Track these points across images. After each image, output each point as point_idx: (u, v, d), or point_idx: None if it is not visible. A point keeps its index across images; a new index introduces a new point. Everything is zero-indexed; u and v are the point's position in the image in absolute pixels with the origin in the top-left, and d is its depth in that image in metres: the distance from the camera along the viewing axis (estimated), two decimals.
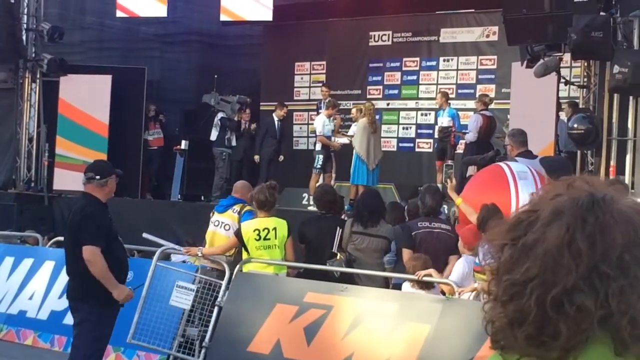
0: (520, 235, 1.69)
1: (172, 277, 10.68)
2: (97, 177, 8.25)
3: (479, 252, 9.03)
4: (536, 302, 1.64)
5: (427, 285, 9.44)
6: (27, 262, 12.42)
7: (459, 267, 9.32)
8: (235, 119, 19.16)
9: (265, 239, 10.20)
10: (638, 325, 1.61)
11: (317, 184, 15.71)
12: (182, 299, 10.32)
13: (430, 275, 9.39)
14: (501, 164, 10.62)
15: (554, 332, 1.63)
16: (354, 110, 17.53)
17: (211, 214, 11.30)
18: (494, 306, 1.71)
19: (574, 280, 1.62)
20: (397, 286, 10.06)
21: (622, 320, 1.61)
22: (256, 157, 19.00)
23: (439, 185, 14.88)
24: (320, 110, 18.53)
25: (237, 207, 11.00)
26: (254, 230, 10.23)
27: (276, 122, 19.31)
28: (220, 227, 10.99)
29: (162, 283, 10.67)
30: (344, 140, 17.32)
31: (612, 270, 1.61)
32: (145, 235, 12.13)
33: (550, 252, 1.64)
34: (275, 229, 10.23)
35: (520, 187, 9.90)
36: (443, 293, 9.33)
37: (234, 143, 19.03)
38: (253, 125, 19.63)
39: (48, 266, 12.08)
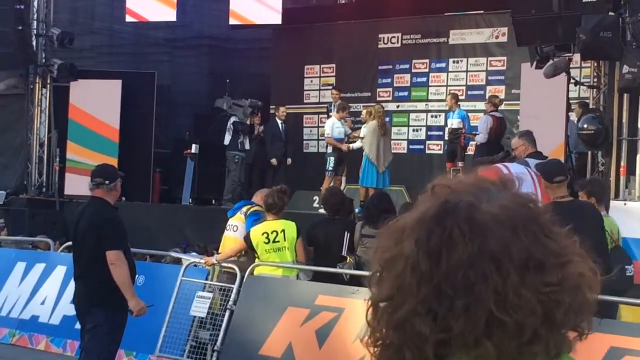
0: (390, 246, 1.55)
1: (183, 283, 10.85)
2: (107, 181, 8.30)
3: None
4: (385, 327, 1.52)
5: None
6: (39, 267, 12.45)
7: None
8: (248, 122, 19.17)
9: (274, 241, 10.22)
10: (482, 343, 1.48)
11: (325, 187, 15.73)
12: (200, 307, 10.42)
13: None
14: (500, 165, 10.56)
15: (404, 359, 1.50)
16: (364, 112, 17.53)
17: None
18: (369, 327, 1.58)
19: (415, 304, 1.48)
20: None
21: (468, 340, 1.47)
22: (273, 160, 19.06)
23: None
24: (330, 113, 18.55)
25: (244, 209, 11.06)
26: (263, 234, 10.25)
27: (280, 124, 19.36)
28: (230, 229, 11.08)
29: (172, 289, 10.82)
30: (359, 144, 17.29)
31: (455, 291, 1.46)
32: (173, 253, 12.72)
33: (399, 272, 1.50)
34: (283, 231, 10.25)
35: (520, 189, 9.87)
36: None
37: (247, 147, 19.01)
38: (261, 128, 19.65)
39: (60, 271, 12.11)
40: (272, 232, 10.24)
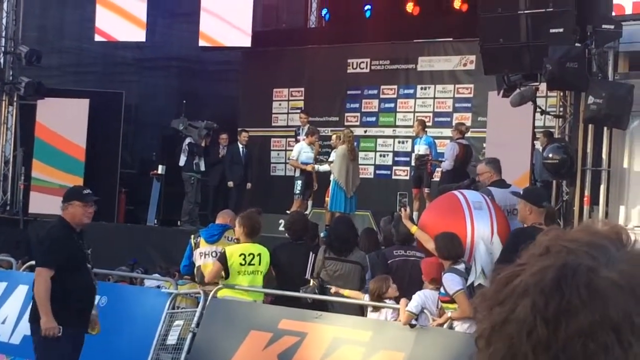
0: (502, 310, 1.45)
1: (142, 301, 10.77)
2: (61, 201, 8.39)
3: (443, 282, 9.04)
4: None
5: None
6: (0, 286, 12.34)
7: (414, 298, 9.21)
8: (202, 144, 19.19)
9: (250, 264, 10.19)
10: None
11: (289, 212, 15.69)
12: (174, 336, 10.36)
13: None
14: (456, 192, 10.62)
15: None
16: (333, 137, 17.56)
17: (194, 244, 11.09)
18: None
19: None
20: None
21: None
22: (229, 183, 19.06)
23: (415, 213, 14.91)
24: (298, 137, 18.57)
25: (229, 234, 10.80)
26: (240, 255, 10.19)
27: (241, 149, 19.37)
28: (209, 256, 10.79)
29: (132, 307, 10.76)
30: (325, 167, 17.33)
31: None
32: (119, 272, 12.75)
33: (512, 336, 1.40)
34: (260, 255, 10.24)
35: (475, 216, 9.93)
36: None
37: (202, 168, 19.06)
38: (224, 150, 19.63)
39: (21, 290, 11.99)
40: (249, 255, 10.21)
